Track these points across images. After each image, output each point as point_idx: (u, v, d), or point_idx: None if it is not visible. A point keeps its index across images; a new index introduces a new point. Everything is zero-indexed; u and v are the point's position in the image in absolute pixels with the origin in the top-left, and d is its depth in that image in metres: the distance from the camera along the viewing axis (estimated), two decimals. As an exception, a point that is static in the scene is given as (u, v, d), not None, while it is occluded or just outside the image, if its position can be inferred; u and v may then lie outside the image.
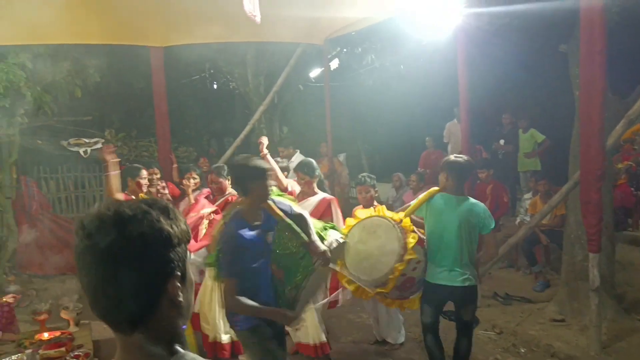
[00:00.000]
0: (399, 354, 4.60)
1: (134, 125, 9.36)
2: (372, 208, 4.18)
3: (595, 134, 3.89)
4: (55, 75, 6.99)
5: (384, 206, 4.01)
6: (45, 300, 5.12)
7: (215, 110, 12.13)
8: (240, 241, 2.74)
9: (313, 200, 4.39)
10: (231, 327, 3.03)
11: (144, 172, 4.67)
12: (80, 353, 3.64)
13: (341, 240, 3.60)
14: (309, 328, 4.17)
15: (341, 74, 10.20)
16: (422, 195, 3.80)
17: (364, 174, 4.87)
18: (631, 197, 6.79)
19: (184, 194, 5.61)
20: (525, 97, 8.65)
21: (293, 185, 4.81)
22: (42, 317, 4.28)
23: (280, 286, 3.11)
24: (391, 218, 3.72)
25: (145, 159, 8.79)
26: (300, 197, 4.48)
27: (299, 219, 3.15)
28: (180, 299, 1.02)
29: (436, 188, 3.74)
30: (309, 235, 3.11)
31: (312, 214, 4.03)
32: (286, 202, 3.21)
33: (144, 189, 4.65)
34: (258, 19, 3.70)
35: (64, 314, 4.39)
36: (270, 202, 2.97)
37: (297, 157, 6.81)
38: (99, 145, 8.39)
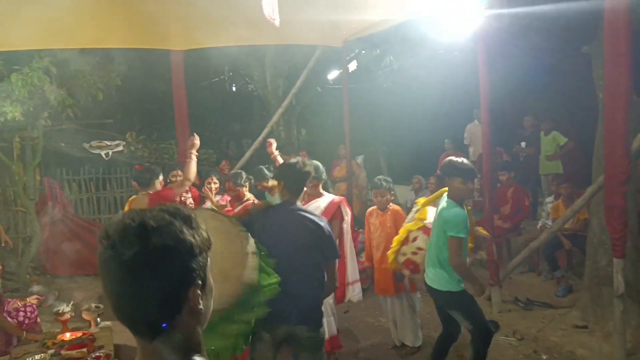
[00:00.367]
0: (418, 359, 4.56)
1: (154, 127, 9.47)
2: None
3: (619, 137, 3.81)
4: (78, 79, 7.12)
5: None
6: (67, 301, 5.20)
7: (233, 113, 12.21)
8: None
9: (321, 203, 4.32)
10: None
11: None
12: (101, 354, 3.69)
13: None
14: (326, 322, 4.13)
15: (359, 76, 10.17)
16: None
17: (380, 177, 4.85)
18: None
19: (203, 197, 5.69)
20: (547, 99, 8.51)
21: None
22: (65, 317, 4.34)
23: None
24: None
25: (166, 161, 8.89)
26: (307, 199, 4.42)
27: None
28: (201, 306, 1.04)
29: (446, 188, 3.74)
30: None
31: (323, 216, 4.00)
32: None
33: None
34: (277, 22, 3.72)
35: (85, 315, 4.46)
36: None
37: None
38: (119, 148, 8.57)
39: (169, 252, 0.98)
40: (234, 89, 13.63)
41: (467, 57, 6.26)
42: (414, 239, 3.99)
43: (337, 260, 3.21)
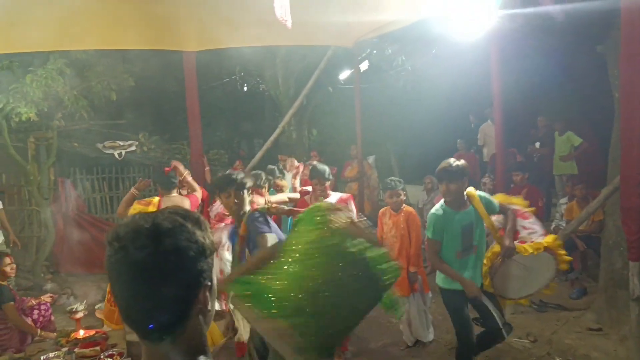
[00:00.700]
0: (430, 362, 4.54)
1: (166, 128, 9.53)
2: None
3: (636, 137, 3.74)
4: (92, 80, 7.19)
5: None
6: (81, 299, 5.25)
7: (245, 112, 12.24)
8: None
9: (332, 199, 4.46)
10: None
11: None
12: (114, 352, 3.72)
13: None
14: None
15: (371, 76, 10.13)
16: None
17: (393, 178, 4.89)
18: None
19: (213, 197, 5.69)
20: (561, 99, 8.42)
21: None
22: (78, 316, 4.39)
23: None
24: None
25: (178, 161, 8.93)
26: (314, 200, 4.55)
27: None
28: (210, 308, 1.05)
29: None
30: None
31: None
32: None
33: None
34: (289, 23, 3.72)
35: (98, 314, 4.51)
36: None
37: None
38: (132, 148, 8.63)
39: (182, 253, 0.98)
40: (245, 89, 13.66)
41: (480, 57, 6.21)
42: None
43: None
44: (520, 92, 7.60)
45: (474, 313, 3.72)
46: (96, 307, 4.65)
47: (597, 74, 5.72)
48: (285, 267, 1.81)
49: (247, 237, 3.24)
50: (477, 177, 8.18)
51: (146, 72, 8.01)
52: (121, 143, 8.43)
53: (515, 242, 3.48)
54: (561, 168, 7.88)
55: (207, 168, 6.41)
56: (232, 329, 3.48)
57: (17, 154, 7.38)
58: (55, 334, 4.34)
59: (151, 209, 4.54)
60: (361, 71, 7.68)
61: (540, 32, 5.71)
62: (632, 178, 3.79)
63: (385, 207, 4.90)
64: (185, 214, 1.05)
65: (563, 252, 3.55)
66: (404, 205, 4.80)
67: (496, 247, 3.54)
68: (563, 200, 6.85)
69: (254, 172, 5.50)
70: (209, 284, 1.04)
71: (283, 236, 2.97)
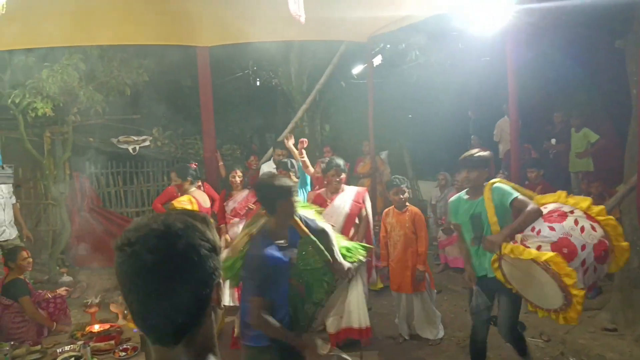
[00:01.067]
0: (442, 359, 4.52)
1: (180, 123, 9.57)
2: None
3: (655, 135, 3.68)
4: (106, 75, 7.24)
5: None
6: (96, 292, 5.32)
7: (257, 107, 12.24)
8: (267, 262, 2.64)
9: (348, 195, 4.67)
10: (241, 340, 2.86)
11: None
12: (129, 346, 3.76)
13: (363, 260, 3.44)
14: (358, 312, 4.35)
15: (384, 71, 10.07)
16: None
17: (396, 176, 5.00)
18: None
19: (228, 193, 5.72)
20: (578, 95, 8.29)
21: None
22: (93, 309, 4.45)
23: (299, 302, 2.92)
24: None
25: (191, 156, 8.97)
26: (327, 194, 4.75)
27: (323, 235, 3.00)
28: (221, 306, 1.06)
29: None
30: (331, 252, 2.95)
31: (353, 207, 4.59)
32: (311, 214, 3.14)
33: None
34: (303, 18, 3.70)
35: (113, 307, 4.55)
36: (296, 217, 2.86)
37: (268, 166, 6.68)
38: (146, 143, 8.69)
39: (196, 251, 0.98)
40: (258, 83, 13.65)
41: (496, 52, 6.14)
42: None
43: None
44: (537, 88, 7.50)
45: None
46: (110, 301, 4.69)
47: (616, 69, 5.62)
48: None
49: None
50: (491, 173, 8.10)
51: (160, 67, 8.04)
52: (135, 138, 8.49)
53: (512, 242, 3.21)
54: (577, 165, 7.77)
55: (221, 163, 6.43)
56: None
57: (33, 148, 7.48)
58: (70, 327, 4.40)
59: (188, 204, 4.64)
60: (374, 66, 7.63)
61: (558, 27, 5.62)
62: (650, 177, 3.73)
63: (389, 208, 4.99)
64: (192, 214, 1.06)
65: (568, 276, 2.93)
66: (409, 204, 4.87)
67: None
68: (579, 197, 6.75)
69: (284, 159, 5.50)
70: (220, 281, 1.04)
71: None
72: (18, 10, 3.99)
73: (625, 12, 4.62)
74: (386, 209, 5.01)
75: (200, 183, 5.41)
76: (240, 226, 5.03)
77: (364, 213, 4.73)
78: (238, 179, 5.62)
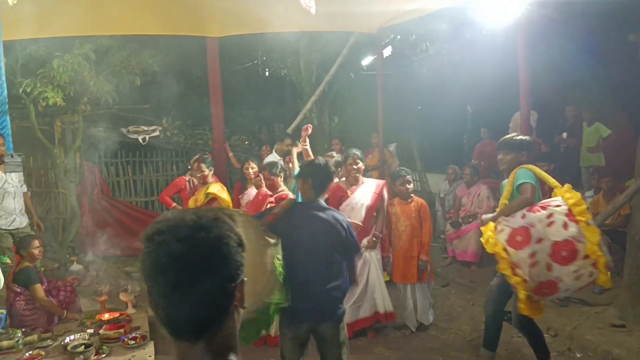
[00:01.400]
0: (449, 353, 4.53)
1: (189, 113, 9.59)
2: None
3: (668, 131, 3.64)
4: (117, 65, 7.26)
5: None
6: (105, 281, 5.37)
7: (266, 97, 12.22)
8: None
9: (368, 187, 4.76)
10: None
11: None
12: (138, 335, 3.79)
13: None
14: (382, 297, 4.66)
15: (394, 62, 10.00)
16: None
17: (401, 167, 5.09)
18: None
19: (244, 186, 5.68)
20: (590, 89, 8.19)
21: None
22: (103, 298, 4.49)
23: None
24: None
25: (200, 147, 9.00)
26: (347, 185, 4.79)
27: None
28: (245, 305, 1.05)
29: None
30: None
31: (374, 199, 4.70)
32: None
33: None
34: (313, 10, 3.70)
35: (122, 296, 4.60)
36: None
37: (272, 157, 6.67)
38: (156, 133, 8.73)
39: (225, 242, 0.99)
40: (267, 73, 13.62)
41: (507, 44, 6.08)
42: None
43: (357, 256, 3.33)
44: (549, 81, 7.42)
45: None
46: (120, 289, 4.74)
47: (629, 62, 5.56)
48: None
49: None
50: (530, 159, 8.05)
51: (170, 58, 8.05)
52: (145, 128, 8.53)
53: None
54: (588, 159, 7.70)
55: (231, 154, 6.45)
56: None
57: (44, 137, 7.52)
58: (80, 315, 4.45)
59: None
60: (384, 57, 7.59)
61: (570, 20, 5.56)
62: (663, 173, 3.68)
63: (393, 198, 5.03)
64: (220, 209, 1.09)
65: (505, 270, 3.11)
66: (413, 196, 4.92)
67: None
68: (589, 193, 6.71)
69: (268, 162, 5.52)
70: (244, 280, 1.04)
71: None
72: (29, 1, 4.01)
73: (638, 5, 4.56)
74: (389, 201, 5.01)
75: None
76: None
77: (382, 205, 4.82)
78: (252, 171, 5.56)
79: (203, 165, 5.03)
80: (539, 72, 5.85)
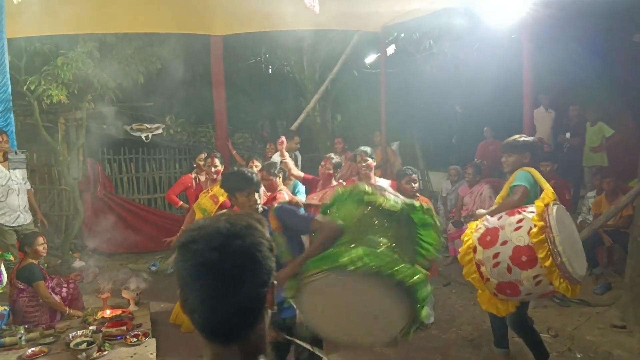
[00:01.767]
0: (450, 352, 4.54)
1: (193, 111, 9.60)
2: None
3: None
4: (120, 63, 7.27)
5: None
6: (108, 278, 5.39)
7: (268, 94, 12.23)
8: None
9: (383, 185, 4.54)
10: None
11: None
12: (140, 332, 3.82)
13: None
14: None
15: (397, 60, 9.98)
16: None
17: (406, 166, 5.02)
18: None
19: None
20: (595, 89, 8.17)
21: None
22: (105, 295, 4.52)
23: None
24: None
25: (203, 145, 9.02)
26: (363, 179, 4.69)
27: None
28: (274, 308, 1.07)
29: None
30: None
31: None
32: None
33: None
34: (317, 9, 3.71)
35: (125, 294, 4.62)
36: None
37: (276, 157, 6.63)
38: (159, 131, 8.74)
39: (259, 250, 1.01)
40: (270, 70, 13.62)
41: (512, 43, 6.07)
42: None
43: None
44: (553, 81, 7.41)
45: None
46: (122, 287, 4.76)
47: (633, 63, 5.54)
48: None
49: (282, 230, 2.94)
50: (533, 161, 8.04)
51: (173, 56, 8.06)
52: (148, 126, 8.54)
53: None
54: (591, 159, 7.68)
55: (235, 152, 6.45)
56: None
57: (48, 134, 7.55)
58: (83, 312, 4.48)
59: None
60: (388, 55, 7.58)
61: (575, 20, 5.54)
62: (665, 174, 3.68)
63: None
64: (250, 215, 1.09)
65: (468, 273, 3.33)
66: (418, 195, 4.87)
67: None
68: (591, 193, 6.69)
69: (267, 162, 5.49)
70: (275, 282, 1.06)
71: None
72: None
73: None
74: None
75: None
76: None
77: None
78: (256, 169, 5.55)
79: (217, 160, 5.02)
80: (544, 71, 5.84)
